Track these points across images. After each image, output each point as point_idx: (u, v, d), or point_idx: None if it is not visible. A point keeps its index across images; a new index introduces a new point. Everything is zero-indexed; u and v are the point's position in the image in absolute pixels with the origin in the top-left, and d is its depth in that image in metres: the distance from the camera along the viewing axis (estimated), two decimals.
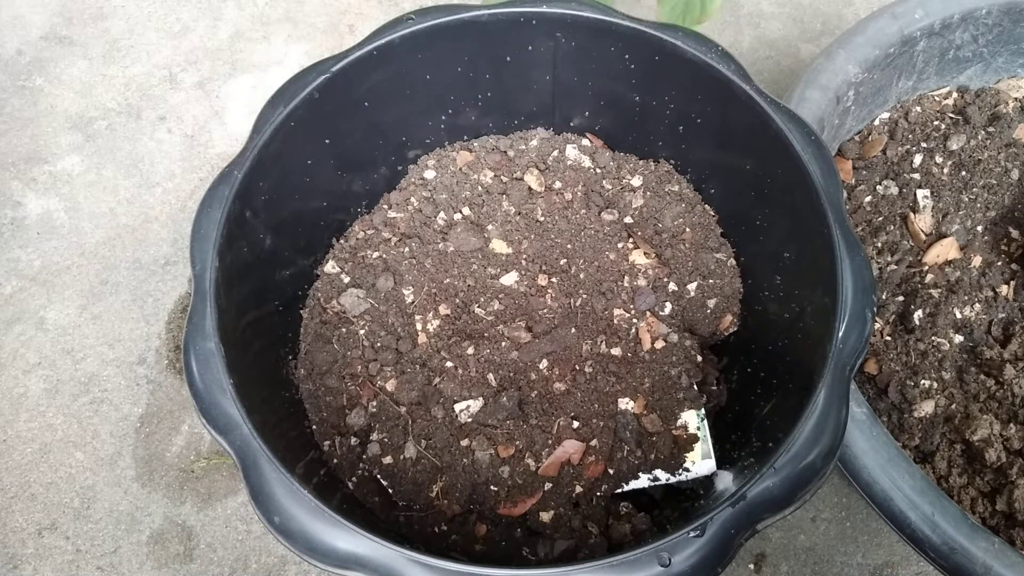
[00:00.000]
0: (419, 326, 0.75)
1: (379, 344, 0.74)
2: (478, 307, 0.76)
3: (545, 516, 0.67)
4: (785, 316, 0.71)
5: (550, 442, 0.69)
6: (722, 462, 0.70)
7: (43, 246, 1.04)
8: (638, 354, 0.73)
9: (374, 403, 0.71)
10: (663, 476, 0.70)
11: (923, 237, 0.89)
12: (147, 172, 1.10)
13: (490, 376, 0.71)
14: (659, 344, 0.74)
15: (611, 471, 0.68)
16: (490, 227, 0.80)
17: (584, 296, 0.76)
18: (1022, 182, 0.92)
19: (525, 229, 0.80)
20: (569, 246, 0.79)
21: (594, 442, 0.69)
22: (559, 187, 0.83)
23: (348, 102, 0.72)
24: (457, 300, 0.76)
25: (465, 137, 0.86)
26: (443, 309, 0.75)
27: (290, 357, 0.75)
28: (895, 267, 0.88)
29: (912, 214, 0.90)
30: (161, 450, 0.93)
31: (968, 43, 0.94)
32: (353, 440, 0.71)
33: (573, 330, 0.73)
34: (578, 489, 0.68)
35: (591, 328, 0.74)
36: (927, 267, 0.87)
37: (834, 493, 0.93)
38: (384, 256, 0.79)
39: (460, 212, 0.81)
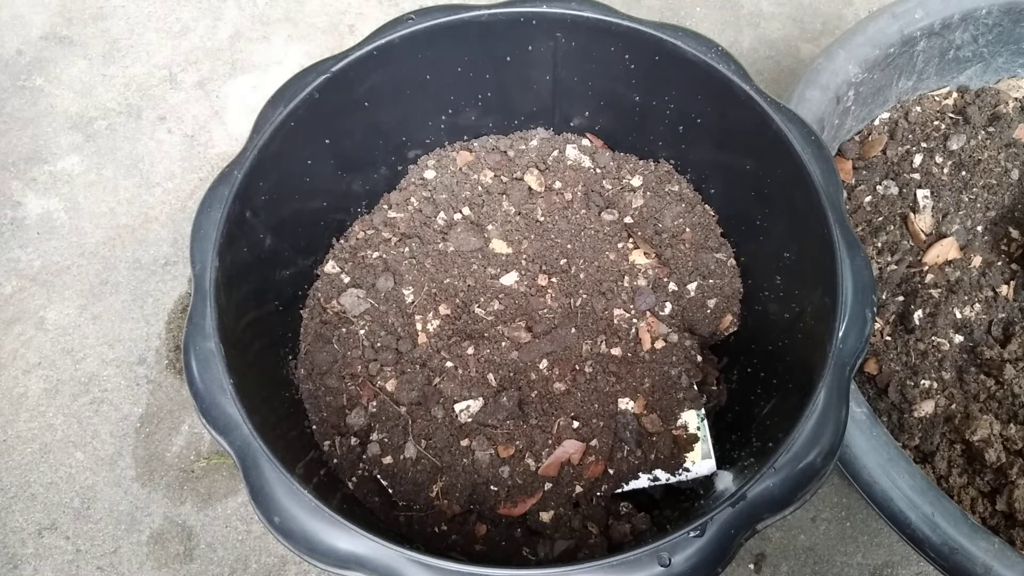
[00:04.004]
0: (419, 326, 0.75)
1: (379, 344, 0.74)
2: (478, 307, 0.76)
3: (545, 516, 0.67)
4: (785, 316, 0.71)
5: (550, 442, 0.69)
6: (722, 462, 0.70)
7: (43, 246, 1.04)
8: (638, 354, 0.73)
9: (374, 403, 0.71)
10: (663, 476, 0.70)
11: (923, 237, 0.89)
12: (147, 172, 1.10)
13: (490, 376, 0.71)
14: (659, 344, 0.74)
15: (611, 471, 0.68)
16: (490, 227, 0.80)
17: (584, 296, 0.76)
18: (1022, 182, 0.92)
19: (525, 229, 0.80)
20: (569, 246, 0.79)
21: (594, 442, 0.69)
22: (559, 187, 0.83)
23: (348, 102, 0.72)
24: (457, 300, 0.76)
25: (465, 137, 0.86)
26: (443, 309, 0.75)
27: (290, 357, 0.75)
28: (895, 267, 0.88)
29: (912, 214, 0.90)
30: (161, 450, 0.93)
31: (968, 43, 0.94)
32: (353, 440, 0.71)
33: (573, 330, 0.73)
34: (578, 489, 0.68)
35: (591, 328, 0.74)
36: (927, 267, 0.87)
37: (834, 493, 0.93)
38: (384, 256, 0.79)
39: (460, 212, 0.81)
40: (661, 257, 0.79)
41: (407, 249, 0.79)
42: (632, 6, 1.27)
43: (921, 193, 0.90)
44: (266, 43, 1.22)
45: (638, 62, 0.74)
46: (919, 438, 0.79)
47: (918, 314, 0.83)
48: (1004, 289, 0.85)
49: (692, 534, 0.52)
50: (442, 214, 0.81)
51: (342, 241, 0.81)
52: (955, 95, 1.00)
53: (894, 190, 0.92)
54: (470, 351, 0.72)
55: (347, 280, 0.78)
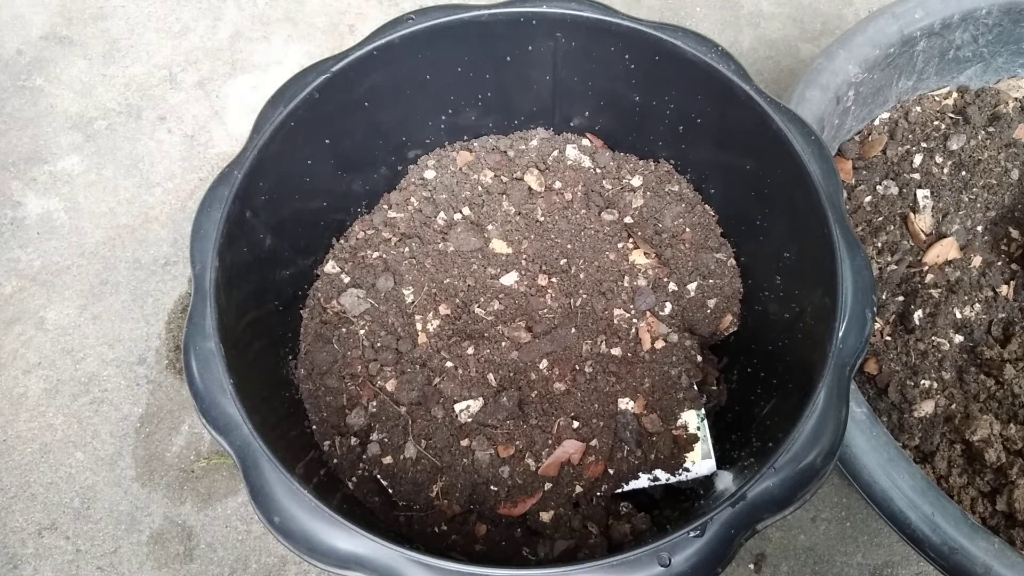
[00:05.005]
0: (419, 326, 0.75)
1: (379, 344, 0.74)
2: (478, 307, 0.76)
3: (545, 516, 0.67)
4: (785, 316, 0.71)
5: (550, 442, 0.69)
6: (722, 462, 0.70)
7: (43, 246, 1.04)
8: (638, 354, 0.73)
9: (374, 403, 0.71)
10: (663, 476, 0.70)
11: (923, 237, 0.89)
12: (147, 172, 1.10)
13: (490, 376, 0.71)
14: (659, 344, 0.74)
15: (611, 471, 0.68)
16: (490, 227, 0.80)
17: (584, 296, 0.76)
18: (1022, 182, 0.92)
19: (525, 229, 0.80)
20: (569, 246, 0.79)
21: (594, 442, 0.69)
22: (559, 187, 0.83)
23: (348, 102, 0.72)
24: (457, 300, 0.76)
25: (465, 137, 0.86)
26: (443, 309, 0.75)
27: (290, 357, 0.75)
28: (895, 267, 0.88)
29: (912, 214, 0.90)
30: (161, 450, 0.93)
31: (968, 43, 0.94)
32: (353, 440, 0.71)
33: (573, 330, 0.73)
34: (578, 489, 0.68)
35: (591, 328, 0.74)
36: (927, 267, 0.87)
37: (834, 493, 0.93)
38: (384, 256, 0.79)
39: (460, 212, 0.81)
40: (661, 257, 0.79)
41: (407, 249, 0.79)
42: (632, 6, 1.27)
43: (921, 193, 0.90)
44: (266, 43, 1.22)
45: (638, 62, 0.74)
46: (919, 438, 0.79)
47: (918, 314, 0.83)
48: (1004, 289, 0.85)
49: (692, 534, 0.52)
50: (442, 214, 0.81)
51: (342, 241, 0.81)
52: (955, 95, 1.00)
53: (894, 190, 0.92)
54: (470, 351, 0.72)
55: (347, 280, 0.78)
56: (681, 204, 0.81)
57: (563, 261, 0.78)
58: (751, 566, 0.90)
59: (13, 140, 1.11)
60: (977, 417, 0.77)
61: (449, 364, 0.72)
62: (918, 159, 0.93)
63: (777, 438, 0.57)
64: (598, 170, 0.84)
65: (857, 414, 0.67)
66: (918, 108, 0.98)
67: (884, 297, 0.87)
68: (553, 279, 0.77)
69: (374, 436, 0.70)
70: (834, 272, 0.60)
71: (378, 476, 0.69)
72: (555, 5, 0.71)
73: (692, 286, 0.78)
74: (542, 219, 0.81)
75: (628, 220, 0.81)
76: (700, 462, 0.70)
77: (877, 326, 0.85)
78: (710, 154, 0.79)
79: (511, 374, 0.72)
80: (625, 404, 0.71)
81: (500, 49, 0.75)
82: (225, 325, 0.58)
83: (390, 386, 0.72)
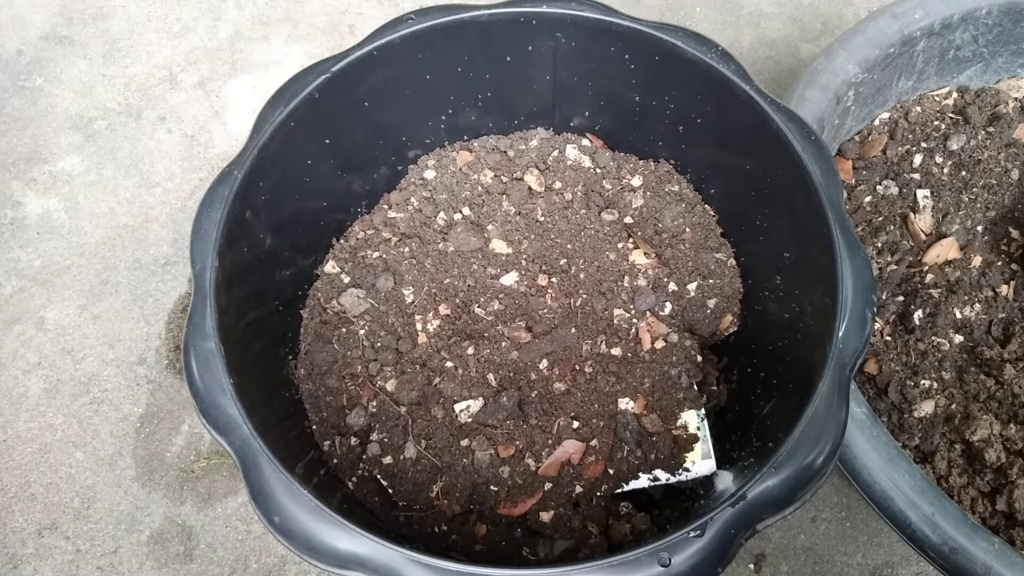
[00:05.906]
0: (419, 326, 0.75)
1: (379, 344, 0.74)
2: (478, 307, 0.76)
3: (545, 516, 0.67)
4: (785, 316, 0.71)
5: (550, 442, 0.69)
6: (722, 462, 0.70)
7: (43, 246, 1.04)
8: (638, 354, 0.73)
9: (374, 403, 0.71)
10: (663, 476, 0.70)
11: (923, 237, 0.89)
12: (147, 172, 1.10)
13: (490, 376, 0.71)
14: (659, 344, 0.74)
15: (611, 471, 0.68)
16: (490, 227, 0.80)
17: (584, 296, 0.76)
18: (1022, 182, 0.92)
19: (525, 229, 0.80)
20: (569, 246, 0.79)
21: (594, 442, 0.69)
22: (559, 187, 0.83)
23: (348, 102, 0.72)
24: (457, 300, 0.76)
25: (465, 137, 0.86)
26: (443, 309, 0.75)
27: (290, 357, 0.75)
28: (895, 267, 0.88)
29: (912, 214, 0.90)
30: (161, 450, 0.93)
31: (968, 43, 0.94)
32: (353, 440, 0.71)
33: (573, 330, 0.73)
34: (578, 489, 0.68)
35: (591, 328, 0.74)
36: (927, 267, 0.87)
37: (834, 493, 0.93)
38: (384, 256, 0.79)
39: (460, 212, 0.81)
40: (661, 257, 0.79)
41: (407, 249, 0.79)
42: (632, 6, 1.27)
43: (921, 193, 0.90)
44: (266, 43, 1.22)
45: (638, 62, 0.74)
46: (919, 438, 0.79)
47: (918, 314, 0.83)
48: (1004, 289, 0.85)
49: (692, 534, 0.52)
50: (442, 214, 0.81)
51: (342, 241, 0.81)
52: (955, 95, 1.00)
53: (894, 190, 0.92)
54: (470, 351, 0.72)
55: (347, 280, 0.78)
56: (681, 204, 0.81)
57: (563, 261, 0.78)
58: (751, 566, 0.90)
59: (13, 140, 1.11)
60: (977, 417, 0.77)
61: (449, 364, 0.72)
62: (918, 159, 0.93)
63: (777, 438, 0.57)
64: (598, 170, 0.84)
65: (857, 414, 0.67)
66: (918, 108, 0.98)
67: (884, 297, 0.87)
68: (553, 279, 0.77)
69: (374, 436, 0.70)
70: (834, 272, 0.60)
71: (378, 476, 0.69)
72: (555, 5, 0.71)
73: (692, 286, 0.78)
74: (542, 219, 0.81)
75: (628, 220, 0.81)
76: (700, 462, 0.70)
77: (877, 326, 0.85)
78: (710, 154, 0.79)
79: (511, 374, 0.72)
80: (625, 404, 0.71)
81: (500, 49, 0.75)
82: (225, 325, 0.58)
83: (390, 386, 0.72)
